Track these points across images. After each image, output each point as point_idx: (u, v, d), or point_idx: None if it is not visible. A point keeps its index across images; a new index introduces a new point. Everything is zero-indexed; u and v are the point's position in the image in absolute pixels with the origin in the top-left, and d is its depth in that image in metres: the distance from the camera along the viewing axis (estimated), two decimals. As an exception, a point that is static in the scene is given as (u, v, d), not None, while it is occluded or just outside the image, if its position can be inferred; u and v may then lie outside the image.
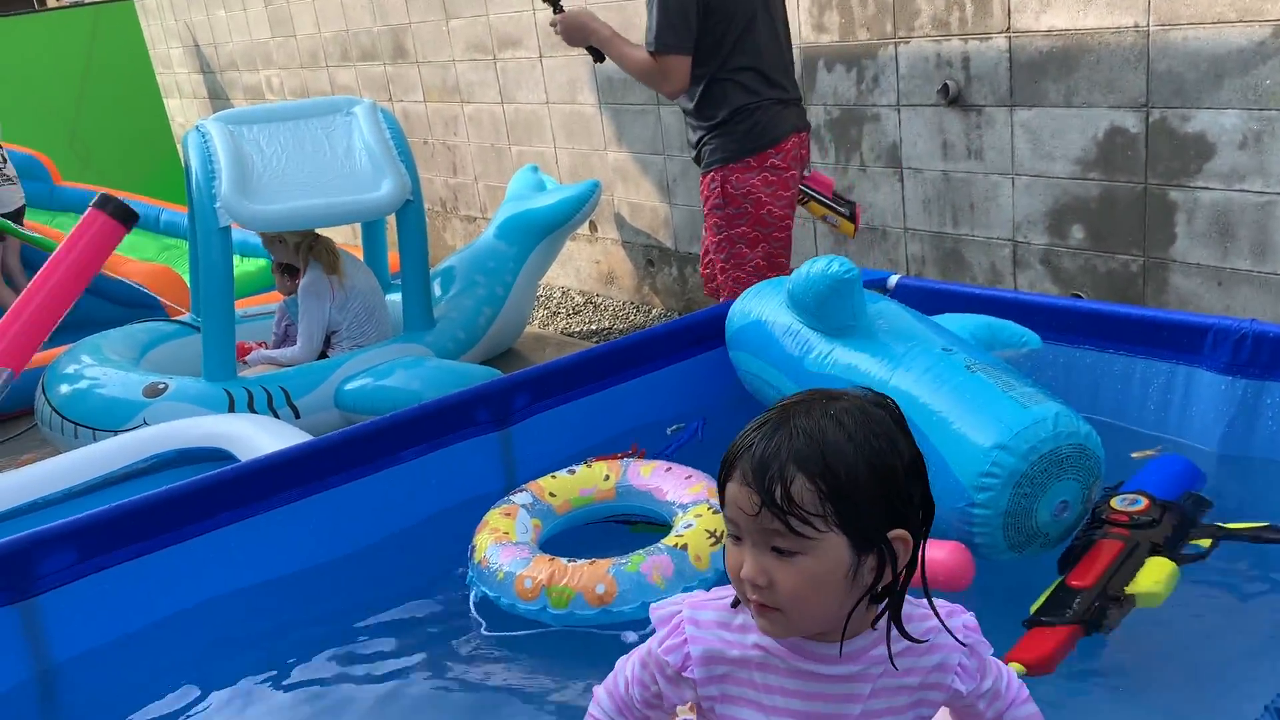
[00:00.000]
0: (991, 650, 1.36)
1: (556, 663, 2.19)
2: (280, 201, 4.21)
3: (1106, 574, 2.03)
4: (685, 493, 2.50)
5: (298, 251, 4.49)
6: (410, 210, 4.52)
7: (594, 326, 5.66)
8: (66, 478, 3.19)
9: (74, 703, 2.27)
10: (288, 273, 4.57)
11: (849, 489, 1.16)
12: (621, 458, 2.73)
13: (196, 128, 4.44)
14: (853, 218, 3.61)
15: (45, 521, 2.29)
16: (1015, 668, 1.45)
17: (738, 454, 1.21)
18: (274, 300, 5.01)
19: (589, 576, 2.22)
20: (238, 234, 5.99)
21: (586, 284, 6.21)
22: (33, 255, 6.24)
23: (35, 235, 5.55)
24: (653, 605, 1.36)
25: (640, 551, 2.28)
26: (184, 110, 10.07)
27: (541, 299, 6.21)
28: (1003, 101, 3.74)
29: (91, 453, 3.30)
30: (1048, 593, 2.05)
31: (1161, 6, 3.24)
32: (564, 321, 5.84)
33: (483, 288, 4.98)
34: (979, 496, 2.13)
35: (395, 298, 4.92)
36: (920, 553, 1.23)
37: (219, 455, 3.11)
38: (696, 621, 1.31)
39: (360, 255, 5.08)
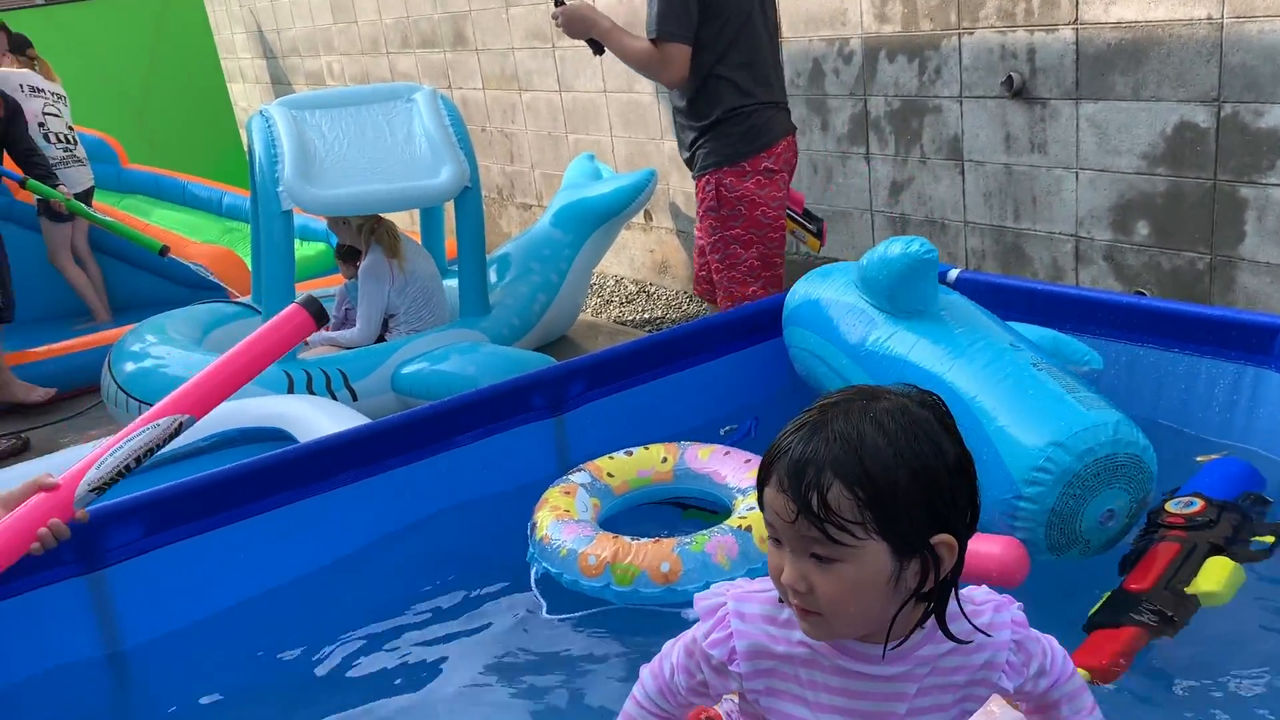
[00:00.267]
0: (1039, 642, 1.32)
1: (618, 640, 2.20)
2: (341, 186, 4.27)
3: (1165, 576, 2.00)
4: (745, 476, 2.50)
5: (360, 233, 4.55)
6: (468, 197, 4.56)
7: (646, 315, 5.66)
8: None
9: (140, 670, 2.33)
10: (349, 258, 4.65)
11: (888, 495, 1.12)
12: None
13: (260, 112, 4.51)
14: (820, 234, 3.72)
15: (111, 497, 2.35)
16: (1081, 674, 1.42)
17: (774, 458, 1.18)
18: (334, 284, 5.09)
19: (654, 555, 2.22)
20: (298, 218, 6.09)
21: (640, 273, 6.22)
22: (101, 237, 6.37)
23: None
24: (697, 595, 1.35)
25: (704, 532, 2.28)
26: (247, 95, 10.22)
27: (595, 287, 6.23)
28: (1068, 94, 3.67)
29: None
30: (1105, 598, 2.02)
31: (1236, -2, 3.17)
32: (617, 310, 5.86)
33: (538, 275, 5.01)
34: (1028, 490, 2.11)
35: (451, 283, 4.97)
36: (962, 551, 1.19)
37: (279, 435, 3.16)
38: (742, 615, 1.29)
39: (419, 241, 5.14)
